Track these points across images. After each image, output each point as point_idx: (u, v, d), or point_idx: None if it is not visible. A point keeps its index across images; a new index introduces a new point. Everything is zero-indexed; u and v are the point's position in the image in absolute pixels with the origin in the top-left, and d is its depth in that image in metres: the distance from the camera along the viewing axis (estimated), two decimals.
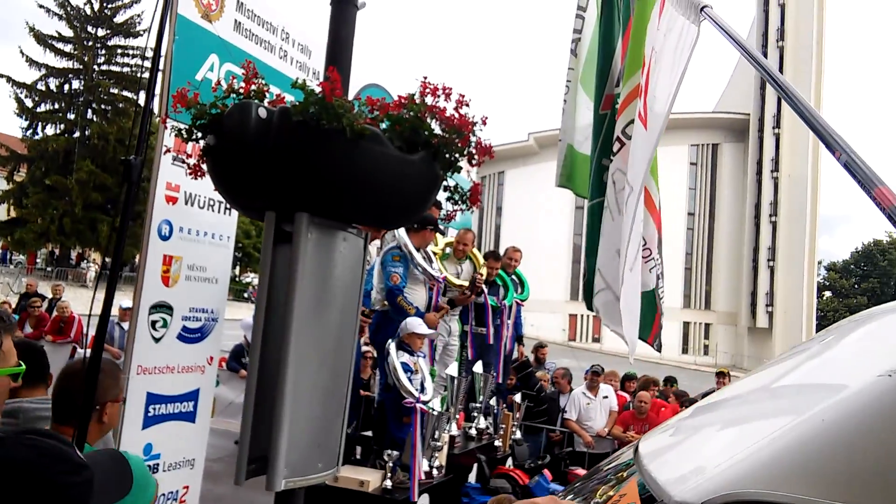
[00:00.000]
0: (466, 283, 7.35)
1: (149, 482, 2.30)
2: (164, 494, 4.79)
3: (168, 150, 3.85)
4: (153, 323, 4.58)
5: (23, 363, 2.95)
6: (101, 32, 46.12)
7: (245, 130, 2.71)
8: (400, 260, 6.47)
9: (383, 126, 2.92)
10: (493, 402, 8.08)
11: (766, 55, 61.00)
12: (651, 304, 4.56)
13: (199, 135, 2.92)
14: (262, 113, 2.73)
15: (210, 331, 5.06)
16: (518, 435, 8.48)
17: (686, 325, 63.32)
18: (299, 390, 2.91)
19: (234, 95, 2.87)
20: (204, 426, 5.11)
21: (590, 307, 4.39)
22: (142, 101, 3.32)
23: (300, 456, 2.97)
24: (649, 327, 4.66)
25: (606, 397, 10.09)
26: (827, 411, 1.19)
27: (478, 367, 7.54)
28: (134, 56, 45.75)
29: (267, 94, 2.93)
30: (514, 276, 8.59)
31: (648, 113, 2.41)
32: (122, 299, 10.10)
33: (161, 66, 4.35)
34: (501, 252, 8.66)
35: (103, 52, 46.35)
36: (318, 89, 2.68)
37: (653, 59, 2.41)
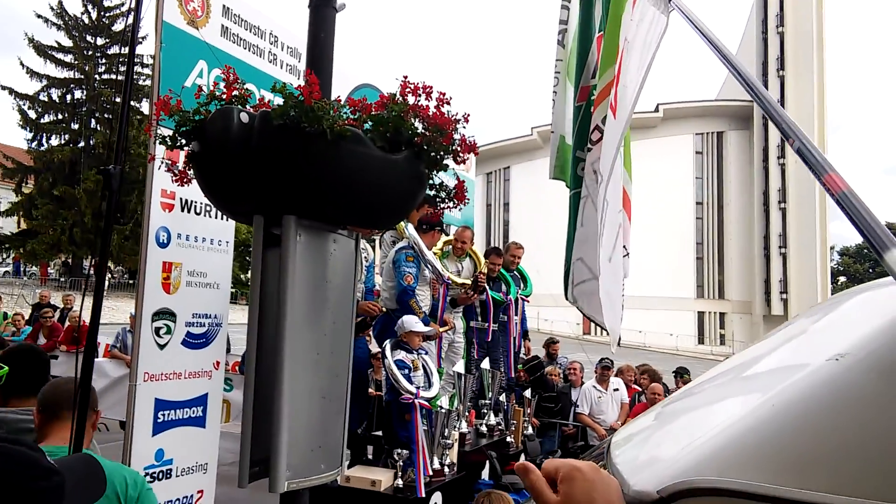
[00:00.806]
0: (469, 282, 7.34)
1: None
2: (178, 499, 4.83)
3: (152, 158, 3.85)
4: (157, 330, 4.61)
5: (5, 366, 2.93)
6: (100, 41, 46.19)
7: (228, 135, 2.73)
8: (413, 260, 6.49)
9: (367, 127, 2.93)
10: (503, 398, 8.07)
11: (766, 41, 60.87)
12: None
13: (184, 141, 2.93)
14: (244, 118, 2.74)
15: (215, 336, 5.09)
16: (530, 430, 8.46)
17: (700, 315, 63.11)
18: (296, 393, 2.92)
19: (217, 101, 2.88)
20: (214, 430, 5.13)
21: (567, 297, 4.39)
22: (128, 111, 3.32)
23: (302, 458, 2.99)
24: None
25: (617, 390, 10.03)
26: (777, 396, 1.18)
27: (485, 364, 7.54)
28: (135, 64, 45.50)
29: (249, 99, 2.94)
30: (516, 272, 8.58)
31: (619, 102, 2.41)
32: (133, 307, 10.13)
33: (151, 73, 4.41)
34: (503, 248, 8.65)
35: (104, 61, 46.39)
36: (297, 92, 2.69)
37: (625, 49, 2.41)
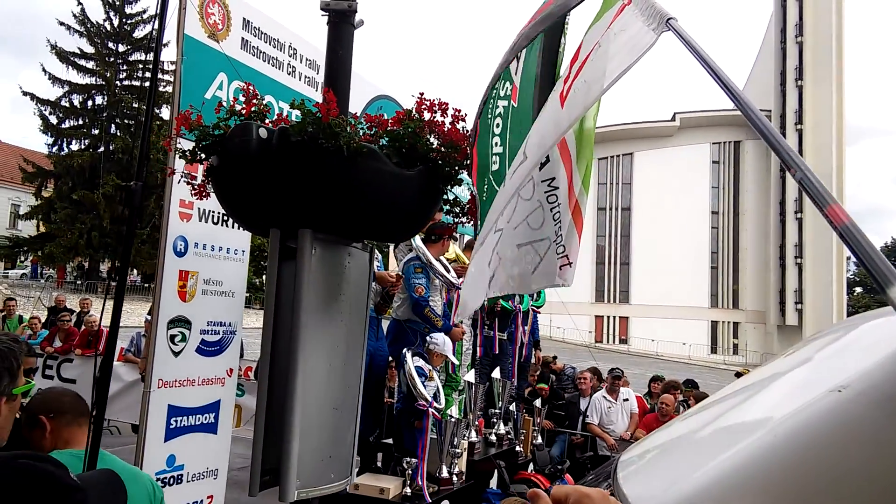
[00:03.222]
0: None
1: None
2: None
3: (172, 172, 3.88)
4: (172, 337, 4.68)
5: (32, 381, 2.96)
6: (121, 48, 46.65)
7: (246, 151, 2.79)
8: (422, 271, 6.55)
9: (383, 142, 2.99)
10: (512, 407, 8.08)
11: (784, 51, 60.54)
12: None
13: (203, 156, 3.00)
14: (263, 133, 2.80)
15: (229, 343, 5.15)
16: (539, 440, 8.46)
17: (714, 324, 62.74)
18: (308, 404, 2.98)
19: (236, 117, 2.94)
20: (226, 437, 5.20)
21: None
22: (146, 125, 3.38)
23: (312, 467, 3.04)
24: None
25: (627, 400, 10.02)
26: (780, 426, 1.19)
27: (495, 374, 7.57)
28: (157, 72, 45.92)
29: (268, 114, 3.01)
30: None
31: (570, 94, 2.37)
32: (147, 311, 10.23)
33: (172, 82, 4.47)
34: None
35: (125, 67, 46.82)
36: (315, 109, 2.75)
37: (594, 51, 2.38)
